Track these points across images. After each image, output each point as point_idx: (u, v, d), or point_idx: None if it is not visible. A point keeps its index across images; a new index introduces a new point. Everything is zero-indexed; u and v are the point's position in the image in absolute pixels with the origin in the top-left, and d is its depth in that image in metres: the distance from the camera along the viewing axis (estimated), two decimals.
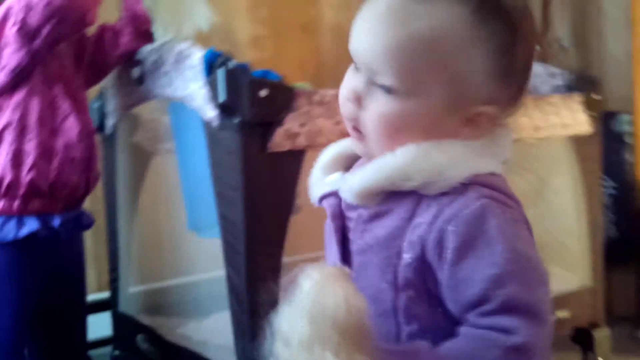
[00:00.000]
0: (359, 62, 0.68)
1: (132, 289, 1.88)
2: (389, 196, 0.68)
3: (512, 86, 0.68)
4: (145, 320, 1.80)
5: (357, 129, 0.69)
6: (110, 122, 1.77)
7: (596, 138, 1.81)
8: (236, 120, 1.27)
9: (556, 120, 1.71)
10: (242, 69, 1.26)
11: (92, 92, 1.78)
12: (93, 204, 2.04)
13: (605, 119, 2.22)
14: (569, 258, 1.89)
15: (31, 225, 1.39)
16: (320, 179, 0.76)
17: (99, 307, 2.21)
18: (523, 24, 0.67)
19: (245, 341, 1.32)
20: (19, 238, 1.38)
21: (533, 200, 1.94)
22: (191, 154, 1.46)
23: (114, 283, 1.88)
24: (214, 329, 1.65)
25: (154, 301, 1.88)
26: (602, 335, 1.89)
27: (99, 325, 2.11)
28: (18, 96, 1.37)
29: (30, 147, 1.36)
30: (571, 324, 1.85)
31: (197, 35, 1.50)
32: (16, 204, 1.38)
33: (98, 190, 1.78)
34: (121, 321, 1.87)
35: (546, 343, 0.63)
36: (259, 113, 1.26)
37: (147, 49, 1.52)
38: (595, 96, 1.78)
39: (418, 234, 0.65)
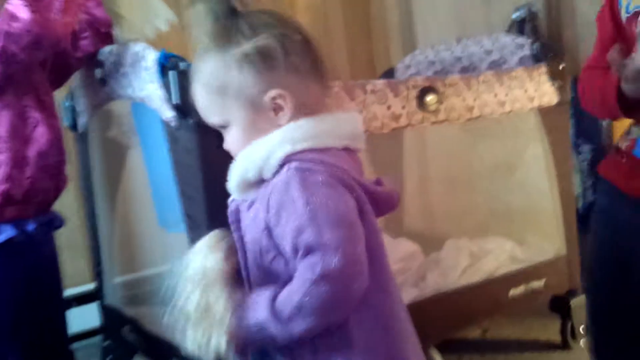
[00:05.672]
0: None
1: (116, 281, 1.92)
2: (256, 187, 0.88)
3: (280, 73, 0.87)
4: (130, 311, 1.85)
5: None
6: (82, 120, 1.79)
7: (563, 107, 1.82)
8: (191, 120, 1.28)
9: (521, 93, 1.72)
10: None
11: (63, 90, 1.81)
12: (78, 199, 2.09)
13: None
14: (543, 228, 1.92)
15: (7, 232, 1.43)
16: None
17: (91, 298, 2.27)
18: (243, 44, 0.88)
19: None
20: None
21: (506, 173, 1.96)
22: (155, 152, 1.48)
23: (98, 276, 1.92)
24: None
25: (137, 292, 1.92)
26: (579, 302, 1.91)
27: (93, 316, 2.18)
28: None
29: (3, 158, 1.39)
30: (548, 293, 1.88)
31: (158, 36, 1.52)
32: None
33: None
34: (108, 313, 1.92)
35: (350, 269, 0.80)
36: None
37: (107, 50, 1.53)
38: (560, 65, 1.78)
39: (262, 208, 0.86)
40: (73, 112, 1.81)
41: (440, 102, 1.55)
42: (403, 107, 1.50)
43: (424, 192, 2.05)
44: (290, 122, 0.88)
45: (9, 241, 1.42)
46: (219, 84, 0.88)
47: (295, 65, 0.88)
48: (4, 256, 1.43)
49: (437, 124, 1.57)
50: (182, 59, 1.29)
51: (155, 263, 1.95)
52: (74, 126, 1.82)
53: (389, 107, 1.48)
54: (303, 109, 0.89)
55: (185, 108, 1.28)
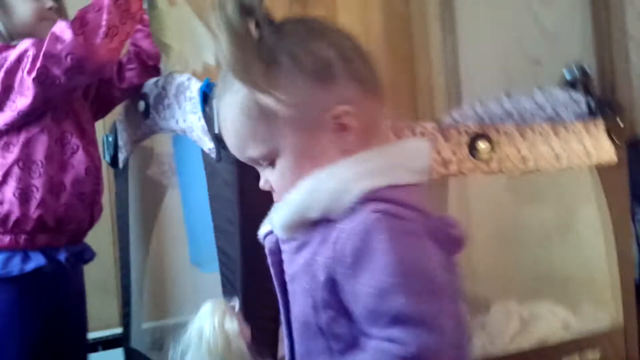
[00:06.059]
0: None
1: (143, 324, 1.85)
2: (310, 226, 0.73)
3: (341, 84, 0.73)
4: (156, 357, 1.76)
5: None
6: (122, 156, 1.76)
7: (622, 167, 1.72)
8: None
9: (579, 148, 1.63)
10: None
11: (107, 125, 1.79)
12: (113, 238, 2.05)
13: (635, 144, 2.12)
14: (598, 295, 1.79)
15: (37, 260, 1.38)
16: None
17: (118, 342, 2.20)
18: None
19: None
20: (25, 273, 1.37)
21: (558, 234, 1.85)
22: (193, 187, 1.43)
23: (125, 318, 1.85)
24: None
25: (165, 338, 1.84)
26: None
27: None
28: (27, 133, 1.37)
29: (39, 183, 1.36)
30: None
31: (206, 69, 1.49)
32: (23, 239, 1.37)
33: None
34: (132, 358, 1.84)
35: (448, 352, 0.64)
36: None
37: (151, 82, 1.51)
38: (620, 122, 1.70)
39: (326, 255, 0.70)
40: (114, 147, 1.78)
41: (493, 150, 1.47)
42: (454, 153, 1.42)
43: (469, 248, 1.95)
44: (358, 147, 0.73)
45: (37, 270, 1.38)
46: (254, 111, 0.73)
47: (357, 74, 0.74)
48: (31, 285, 1.39)
49: (489, 174, 1.49)
50: None
51: (186, 308, 1.88)
52: (114, 162, 1.79)
53: (438, 152, 1.41)
54: (367, 130, 0.74)
55: None
